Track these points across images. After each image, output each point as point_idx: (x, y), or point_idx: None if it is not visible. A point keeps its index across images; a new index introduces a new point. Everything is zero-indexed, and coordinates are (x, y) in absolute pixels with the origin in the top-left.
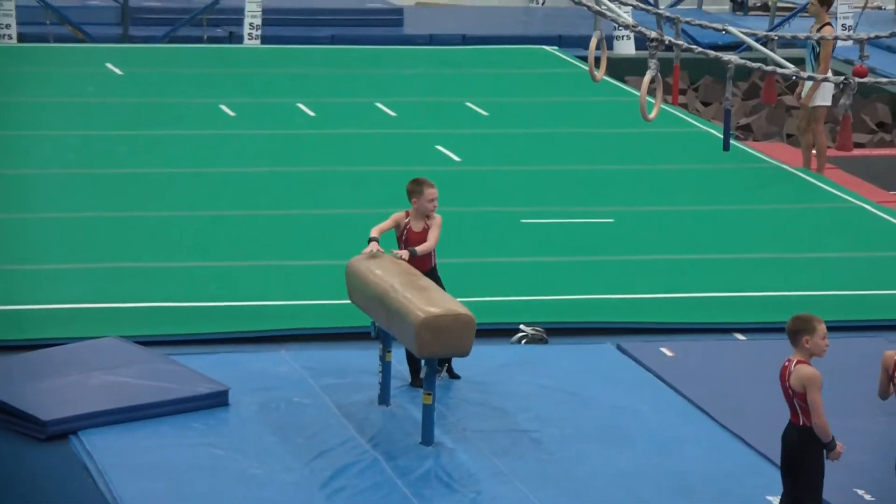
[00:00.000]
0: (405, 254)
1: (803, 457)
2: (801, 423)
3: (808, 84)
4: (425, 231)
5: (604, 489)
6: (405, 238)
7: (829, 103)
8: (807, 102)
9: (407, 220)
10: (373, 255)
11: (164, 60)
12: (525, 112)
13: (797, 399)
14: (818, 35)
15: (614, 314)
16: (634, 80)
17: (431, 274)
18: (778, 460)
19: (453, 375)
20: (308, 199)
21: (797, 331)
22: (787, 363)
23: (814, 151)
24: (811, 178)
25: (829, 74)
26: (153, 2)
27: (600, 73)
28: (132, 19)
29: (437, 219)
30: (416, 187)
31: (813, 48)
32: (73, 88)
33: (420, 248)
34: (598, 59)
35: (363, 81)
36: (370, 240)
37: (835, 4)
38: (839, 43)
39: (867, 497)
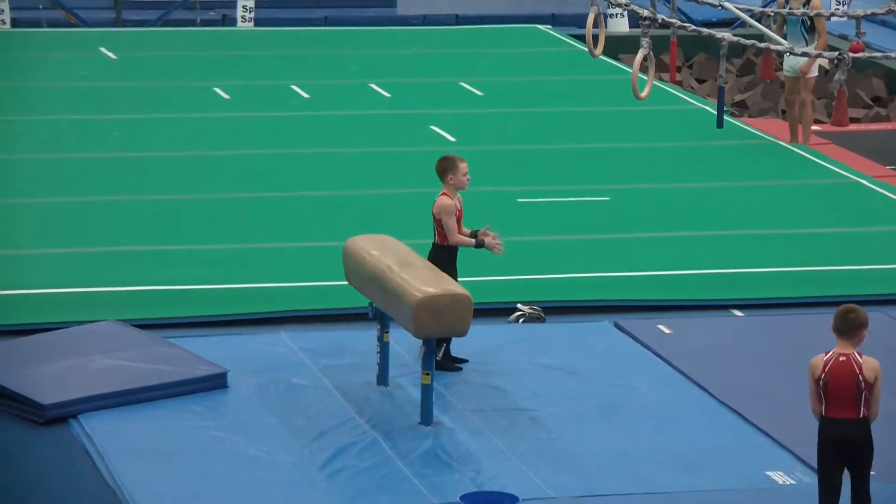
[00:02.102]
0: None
1: (869, 447)
2: (860, 416)
3: (796, 59)
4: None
5: (603, 466)
6: (458, 218)
7: (816, 73)
8: (807, 70)
9: (454, 202)
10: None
11: (158, 44)
12: (519, 91)
13: (867, 391)
14: (814, 13)
15: (611, 292)
16: (628, 57)
17: (450, 252)
18: (780, 438)
19: (455, 361)
20: (303, 180)
21: (862, 324)
22: (843, 357)
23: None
24: (807, 154)
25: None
26: None
27: (598, 49)
28: (125, 3)
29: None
30: (449, 164)
31: (803, 22)
32: (66, 73)
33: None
34: (595, 36)
35: (357, 63)
36: (477, 243)
37: None
38: (833, 18)
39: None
